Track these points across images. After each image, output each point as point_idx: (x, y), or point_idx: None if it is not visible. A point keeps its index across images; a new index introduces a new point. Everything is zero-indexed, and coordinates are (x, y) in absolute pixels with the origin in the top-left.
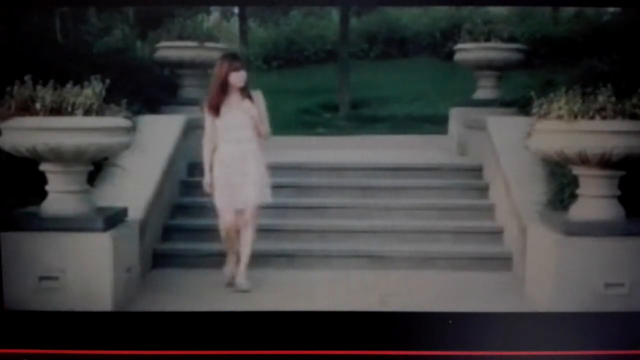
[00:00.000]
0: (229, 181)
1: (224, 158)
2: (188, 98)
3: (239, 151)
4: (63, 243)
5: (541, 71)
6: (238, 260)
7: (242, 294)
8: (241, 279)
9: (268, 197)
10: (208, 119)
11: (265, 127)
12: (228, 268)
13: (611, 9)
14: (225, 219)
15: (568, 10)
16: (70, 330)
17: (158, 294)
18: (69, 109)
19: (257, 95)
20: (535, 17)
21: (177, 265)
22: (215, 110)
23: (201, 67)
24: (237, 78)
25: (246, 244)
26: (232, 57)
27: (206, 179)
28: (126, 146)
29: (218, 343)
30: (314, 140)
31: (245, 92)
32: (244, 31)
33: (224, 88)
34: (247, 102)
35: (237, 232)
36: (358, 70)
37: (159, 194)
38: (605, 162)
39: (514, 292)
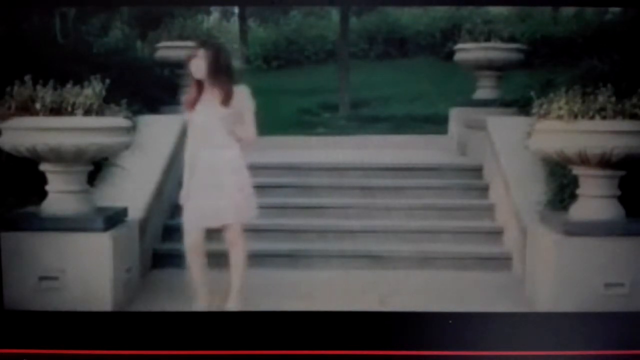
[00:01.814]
0: (198, 194)
1: (196, 166)
2: None
3: (211, 158)
4: (63, 243)
5: (541, 71)
6: (212, 292)
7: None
8: (231, 304)
9: (252, 215)
10: (188, 117)
11: (248, 130)
12: (198, 304)
13: (611, 9)
14: (188, 239)
15: (568, 10)
16: (70, 330)
17: (158, 294)
18: (69, 109)
19: (241, 91)
20: (535, 17)
21: (177, 265)
22: (189, 106)
23: None
24: (193, 67)
25: (236, 266)
26: (199, 44)
27: (183, 189)
28: (126, 146)
29: (218, 343)
30: (314, 140)
31: (218, 86)
32: (244, 31)
33: (194, 81)
34: (217, 99)
35: (203, 256)
36: (358, 70)
37: (159, 194)
38: (605, 162)
39: (514, 292)
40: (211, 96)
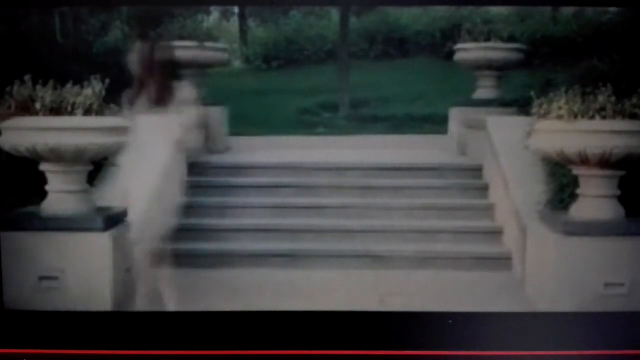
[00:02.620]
0: (144, 200)
1: (137, 168)
2: None
3: (153, 160)
4: (63, 243)
5: (541, 71)
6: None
7: (241, 294)
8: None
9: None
10: (130, 117)
11: (186, 130)
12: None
13: (611, 9)
14: (145, 246)
15: (568, 10)
16: (70, 330)
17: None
18: (69, 109)
19: (184, 89)
20: (535, 17)
21: (177, 265)
22: (128, 104)
23: (201, 67)
24: (131, 62)
25: None
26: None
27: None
28: (126, 146)
29: (218, 343)
30: (314, 140)
31: (154, 83)
32: (244, 31)
33: (134, 77)
34: (153, 98)
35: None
36: (358, 70)
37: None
38: (605, 162)
39: (514, 292)
40: (149, 94)
